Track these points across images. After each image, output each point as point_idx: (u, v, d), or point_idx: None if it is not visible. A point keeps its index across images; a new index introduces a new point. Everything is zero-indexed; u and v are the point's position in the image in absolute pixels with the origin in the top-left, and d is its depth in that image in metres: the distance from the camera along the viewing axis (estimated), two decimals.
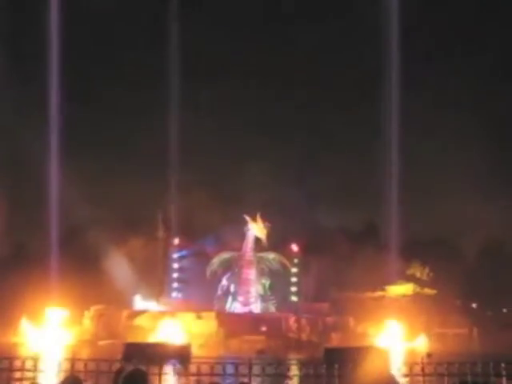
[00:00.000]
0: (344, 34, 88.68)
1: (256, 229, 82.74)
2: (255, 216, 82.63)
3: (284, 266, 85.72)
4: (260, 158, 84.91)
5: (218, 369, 16.65)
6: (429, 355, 54.28)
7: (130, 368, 14.24)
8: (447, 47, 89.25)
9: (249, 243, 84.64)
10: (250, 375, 16.37)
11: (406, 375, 20.97)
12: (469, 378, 15.07)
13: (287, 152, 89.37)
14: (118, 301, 76.93)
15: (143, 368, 13.59)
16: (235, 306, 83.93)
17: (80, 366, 16.99)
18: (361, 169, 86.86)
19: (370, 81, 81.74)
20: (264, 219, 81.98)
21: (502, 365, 15.97)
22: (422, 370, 17.50)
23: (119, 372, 13.18)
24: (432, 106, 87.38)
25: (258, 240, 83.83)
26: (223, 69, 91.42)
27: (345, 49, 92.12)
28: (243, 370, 17.32)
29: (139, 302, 78.67)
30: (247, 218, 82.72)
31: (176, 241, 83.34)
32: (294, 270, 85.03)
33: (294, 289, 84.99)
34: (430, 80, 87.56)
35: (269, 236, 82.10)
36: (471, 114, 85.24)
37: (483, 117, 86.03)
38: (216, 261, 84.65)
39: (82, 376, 15.59)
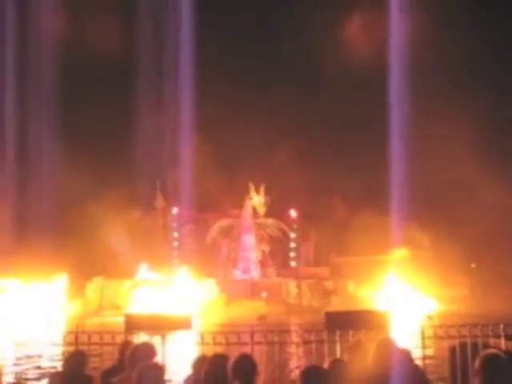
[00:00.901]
0: None
1: (256, 200, 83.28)
2: (259, 186, 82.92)
3: (283, 232, 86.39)
4: (260, 127, 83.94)
5: (220, 339, 16.67)
6: (429, 317, 55.11)
7: (135, 341, 14.40)
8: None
9: (248, 210, 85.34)
10: (252, 343, 16.47)
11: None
12: (468, 340, 15.20)
13: (286, 122, 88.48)
14: (120, 272, 76.87)
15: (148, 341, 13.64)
16: (235, 273, 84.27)
17: (84, 339, 17.03)
18: (359, 132, 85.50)
19: None
20: (267, 192, 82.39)
21: (501, 326, 16.13)
22: (422, 333, 17.57)
23: (125, 345, 13.27)
24: None
25: (256, 207, 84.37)
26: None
27: None
28: (245, 338, 17.41)
29: (144, 272, 78.50)
30: (251, 186, 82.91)
31: (175, 210, 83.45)
32: (293, 235, 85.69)
33: (293, 254, 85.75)
34: None
35: (267, 203, 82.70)
36: None
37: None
38: (215, 228, 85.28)
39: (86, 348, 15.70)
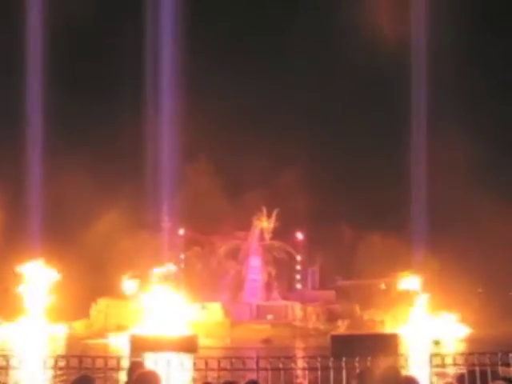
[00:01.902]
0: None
1: (265, 224, 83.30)
2: (272, 211, 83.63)
3: (289, 255, 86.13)
4: (266, 151, 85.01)
5: (225, 363, 16.55)
6: (436, 342, 54.66)
7: (140, 364, 14.24)
8: None
9: (255, 233, 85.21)
10: (257, 369, 16.32)
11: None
12: (477, 369, 14.99)
13: (293, 146, 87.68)
14: (125, 292, 77.55)
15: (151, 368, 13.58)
16: (241, 295, 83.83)
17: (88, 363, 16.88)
18: (367, 157, 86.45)
19: None
20: (277, 216, 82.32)
21: (510, 355, 15.91)
22: (430, 361, 17.39)
23: (133, 368, 13.20)
24: None
25: (263, 230, 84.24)
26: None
27: None
28: (250, 363, 17.28)
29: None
30: (264, 210, 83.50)
31: (181, 231, 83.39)
32: (299, 258, 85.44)
33: (299, 277, 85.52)
34: None
35: (276, 227, 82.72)
36: None
37: None
38: (222, 250, 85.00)
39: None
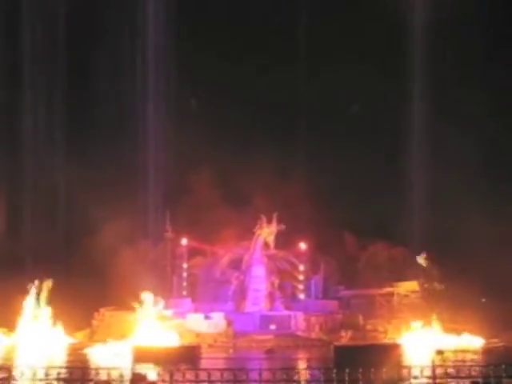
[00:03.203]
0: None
1: (266, 232, 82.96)
2: (271, 217, 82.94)
3: (292, 265, 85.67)
4: (268, 157, 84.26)
5: (228, 375, 16.55)
6: (440, 353, 54.26)
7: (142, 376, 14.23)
8: None
9: (258, 242, 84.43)
10: (260, 381, 16.30)
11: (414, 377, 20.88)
12: (480, 381, 14.98)
13: (294, 152, 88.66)
14: (128, 303, 75.25)
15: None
16: (244, 305, 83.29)
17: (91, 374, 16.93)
18: (371, 167, 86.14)
19: None
20: (279, 221, 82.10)
21: None
22: (433, 372, 17.38)
23: (134, 382, 13.17)
24: None
25: (265, 237, 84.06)
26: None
27: None
28: (253, 375, 17.25)
29: (150, 303, 76.66)
30: (263, 218, 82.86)
31: (184, 241, 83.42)
32: (303, 268, 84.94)
33: (302, 287, 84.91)
34: None
35: (278, 235, 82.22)
36: None
37: None
38: (225, 260, 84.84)
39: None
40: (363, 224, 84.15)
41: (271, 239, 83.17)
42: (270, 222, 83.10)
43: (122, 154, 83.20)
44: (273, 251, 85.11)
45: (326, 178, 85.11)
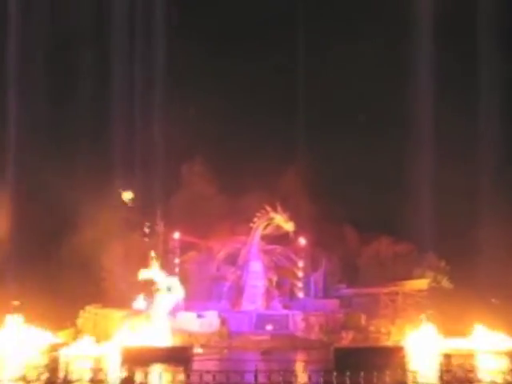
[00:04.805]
0: None
1: (280, 220, 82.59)
2: (274, 206, 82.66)
3: (291, 261, 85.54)
4: (266, 147, 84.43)
5: (221, 377, 16.52)
6: (446, 356, 54.13)
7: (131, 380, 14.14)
8: None
9: (256, 235, 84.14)
10: None
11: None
12: None
13: (293, 141, 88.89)
14: (116, 301, 76.94)
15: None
16: (240, 304, 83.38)
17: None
18: (373, 157, 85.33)
19: None
20: (284, 209, 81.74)
21: None
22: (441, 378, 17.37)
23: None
24: None
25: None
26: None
27: None
28: (248, 377, 17.21)
29: (141, 302, 77.17)
30: (268, 208, 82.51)
31: (176, 235, 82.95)
32: (302, 264, 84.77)
33: (301, 285, 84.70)
34: None
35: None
36: None
37: None
38: (221, 255, 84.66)
39: None
40: (366, 218, 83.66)
41: (290, 226, 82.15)
42: (275, 210, 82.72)
43: (111, 144, 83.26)
44: (271, 246, 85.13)
45: (326, 169, 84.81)
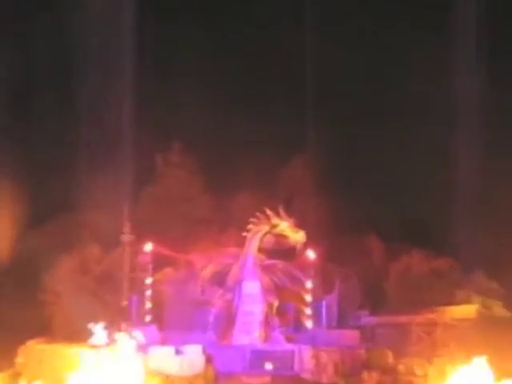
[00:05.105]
0: None
1: (287, 229, 69.37)
2: (276, 209, 69.89)
3: (296, 281, 73.01)
4: (264, 135, 74.89)
5: None
6: None
7: None
8: None
9: (252, 248, 70.25)
10: None
11: None
12: None
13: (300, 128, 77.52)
14: (67, 333, 66.91)
15: None
16: (230, 336, 71.08)
17: None
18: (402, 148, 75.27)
19: None
20: (289, 214, 69.48)
21: None
22: None
23: None
24: None
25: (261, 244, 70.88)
26: None
27: None
28: None
29: (101, 334, 65.14)
30: (268, 212, 69.46)
31: (148, 247, 70.30)
32: (310, 285, 72.01)
33: (309, 312, 72.16)
34: None
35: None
36: None
37: None
38: (206, 273, 72.32)
39: None
40: (394, 226, 73.51)
41: (300, 237, 68.20)
42: (278, 215, 70.68)
43: (63, 130, 73.71)
44: (270, 261, 72.50)
45: (342, 162, 74.48)
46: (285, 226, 69.26)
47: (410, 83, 76.85)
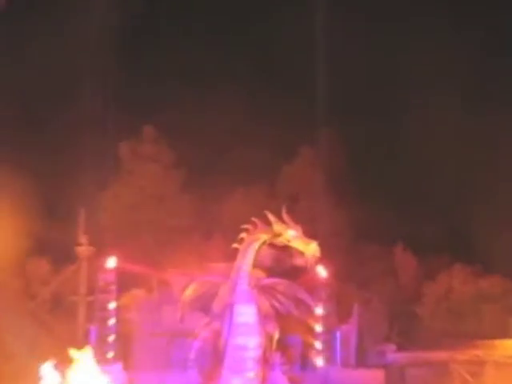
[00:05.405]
0: None
1: (295, 240, 54.65)
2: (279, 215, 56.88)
3: (302, 305, 56.97)
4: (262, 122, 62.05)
5: None
6: None
7: None
8: None
9: (245, 263, 53.09)
10: None
11: None
12: None
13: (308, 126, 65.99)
14: (9, 371, 55.30)
15: None
16: (219, 375, 55.03)
17: None
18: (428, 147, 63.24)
19: None
20: (294, 219, 55.59)
21: None
22: None
23: None
24: None
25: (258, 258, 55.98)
26: None
27: None
28: None
29: (50, 373, 50.78)
30: (270, 216, 56.97)
31: (111, 262, 56.47)
32: (321, 311, 58.31)
33: (319, 345, 58.39)
34: None
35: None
36: None
37: None
38: (186, 296, 55.84)
39: None
40: (428, 235, 61.50)
41: (312, 249, 50.31)
42: (281, 220, 56.23)
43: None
44: (269, 281, 58.21)
45: (360, 155, 63.24)
46: (291, 234, 56.15)
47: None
